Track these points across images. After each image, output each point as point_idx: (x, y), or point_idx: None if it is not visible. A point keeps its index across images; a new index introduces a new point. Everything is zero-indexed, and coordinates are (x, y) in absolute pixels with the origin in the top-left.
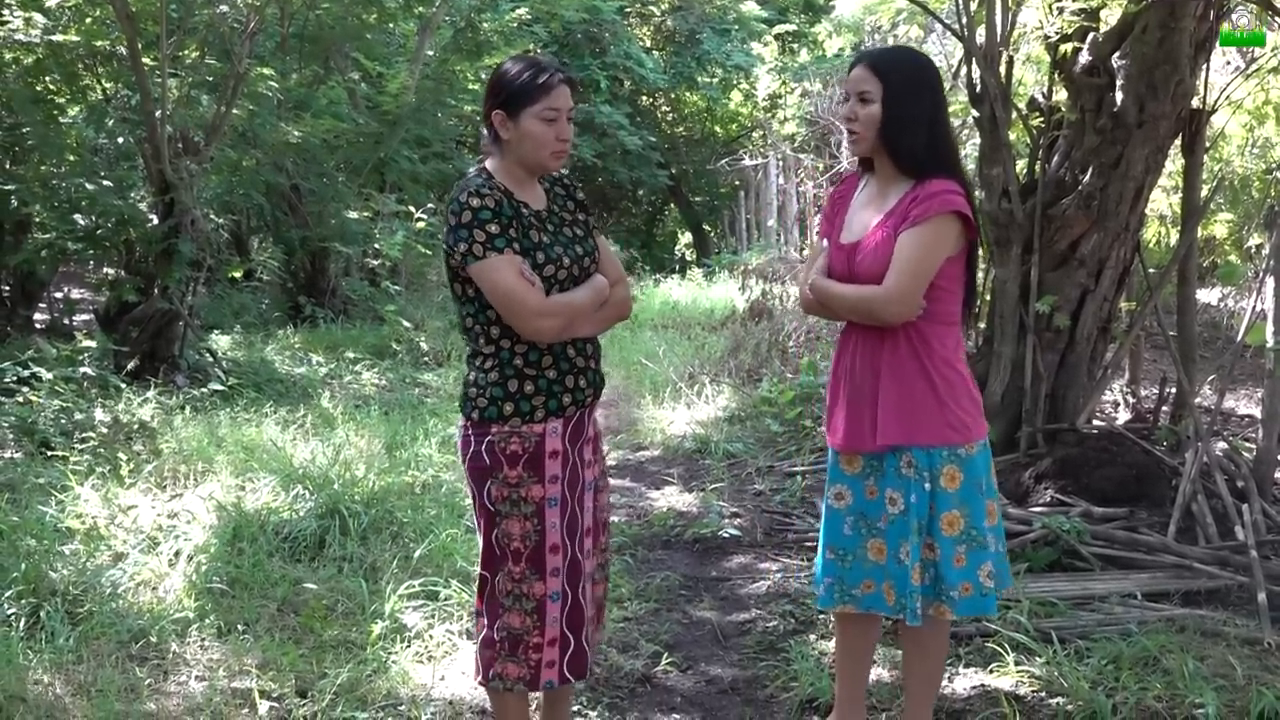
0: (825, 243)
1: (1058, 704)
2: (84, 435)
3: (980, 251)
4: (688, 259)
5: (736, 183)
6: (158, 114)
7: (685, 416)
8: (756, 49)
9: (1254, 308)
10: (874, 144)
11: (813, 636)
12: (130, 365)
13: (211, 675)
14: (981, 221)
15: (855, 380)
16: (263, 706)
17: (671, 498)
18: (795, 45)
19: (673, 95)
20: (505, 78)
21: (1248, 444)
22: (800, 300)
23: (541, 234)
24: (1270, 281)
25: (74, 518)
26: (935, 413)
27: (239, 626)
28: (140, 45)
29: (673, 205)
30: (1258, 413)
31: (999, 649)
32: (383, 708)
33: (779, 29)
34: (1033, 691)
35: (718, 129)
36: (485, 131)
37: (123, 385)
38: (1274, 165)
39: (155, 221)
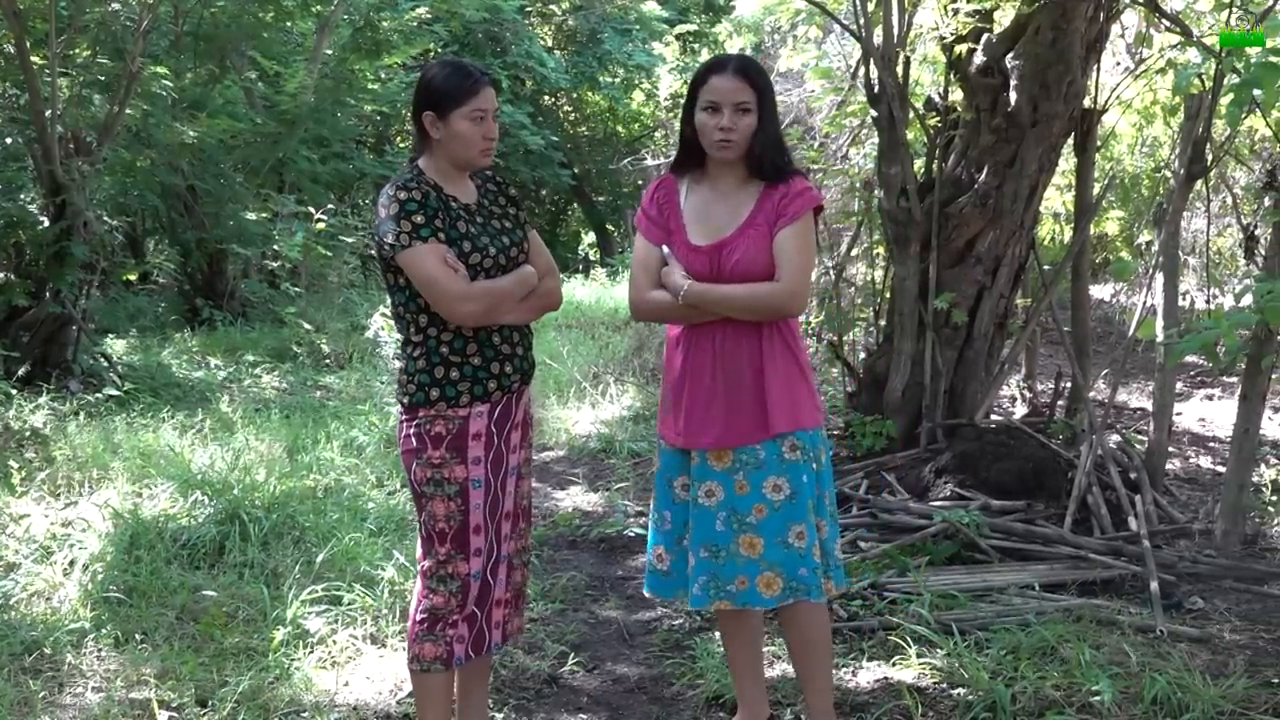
0: (665, 249)
1: (959, 695)
2: None
3: (880, 250)
4: (591, 259)
5: (639, 182)
6: (48, 114)
7: (590, 416)
8: (658, 49)
9: (1145, 303)
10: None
11: (717, 634)
12: (21, 371)
13: (109, 686)
14: (880, 220)
15: (729, 377)
16: (162, 717)
17: (576, 497)
18: (696, 45)
19: (574, 95)
20: (434, 81)
21: (1140, 436)
22: (645, 307)
23: (470, 225)
24: (1160, 277)
25: None
26: (810, 397)
27: (137, 636)
28: (29, 43)
29: (576, 205)
30: (1149, 405)
31: (901, 642)
32: (285, 715)
33: (680, 29)
34: (934, 683)
35: (620, 129)
36: (414, 131)
37: (13, 391)
38: (1162, 164)
39: (46, 224)
